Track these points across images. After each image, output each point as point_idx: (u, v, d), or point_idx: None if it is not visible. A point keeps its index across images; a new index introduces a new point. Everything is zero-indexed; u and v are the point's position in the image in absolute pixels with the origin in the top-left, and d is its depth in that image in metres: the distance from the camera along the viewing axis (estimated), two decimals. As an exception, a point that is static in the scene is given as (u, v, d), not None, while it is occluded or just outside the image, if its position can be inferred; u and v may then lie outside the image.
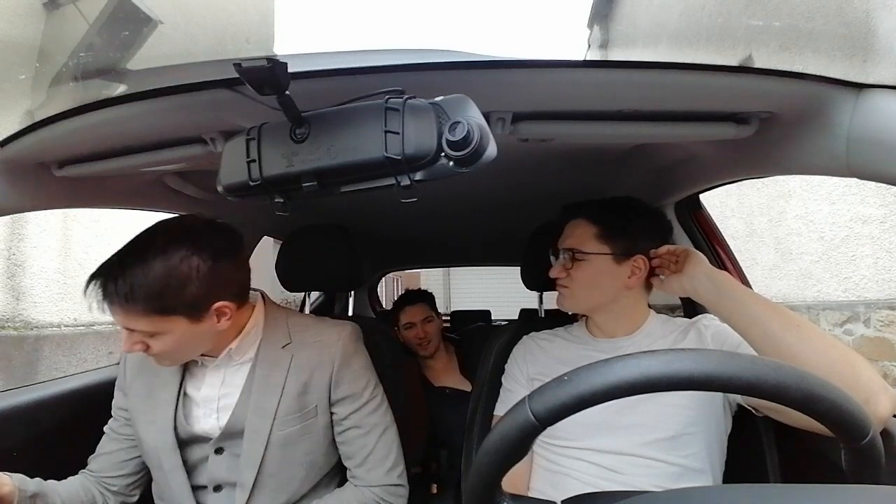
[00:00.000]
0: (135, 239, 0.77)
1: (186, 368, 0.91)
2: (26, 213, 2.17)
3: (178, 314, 0.75)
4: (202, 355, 0.87)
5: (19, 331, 2.59)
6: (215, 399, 0.88)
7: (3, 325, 2.56)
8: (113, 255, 0.75)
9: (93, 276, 0.74)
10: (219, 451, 0.88)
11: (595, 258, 0.89)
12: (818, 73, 0.59)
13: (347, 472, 0.94)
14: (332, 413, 0.92)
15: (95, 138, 0.76)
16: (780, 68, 0.59)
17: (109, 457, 0.93)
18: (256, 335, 0.90)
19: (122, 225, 3.04)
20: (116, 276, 0.72)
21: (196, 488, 0.88)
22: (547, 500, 0.54)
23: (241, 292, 0.85)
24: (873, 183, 0.62)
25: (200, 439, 0.88)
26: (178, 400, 0.88)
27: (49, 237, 2.73)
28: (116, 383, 0.96)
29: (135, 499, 0.94)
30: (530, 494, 0.89)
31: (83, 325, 2.83)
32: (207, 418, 0.88)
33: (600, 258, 0.88)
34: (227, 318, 0.81)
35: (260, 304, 0.93)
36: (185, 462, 0.88)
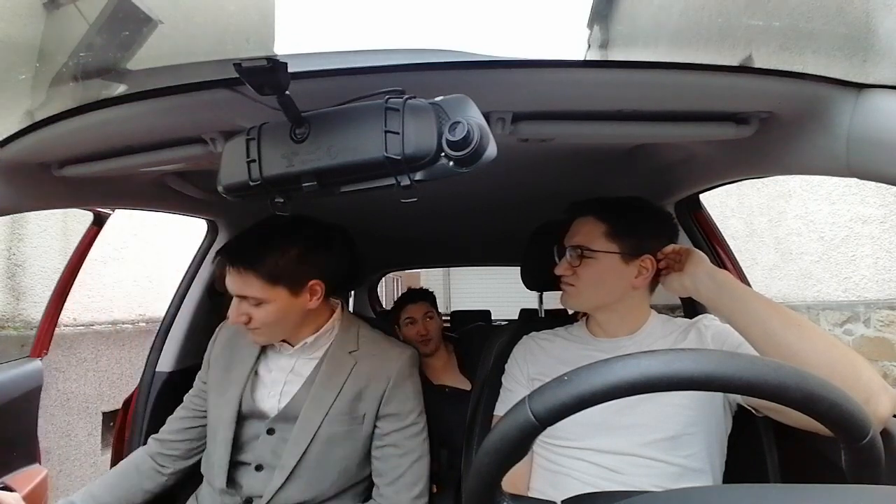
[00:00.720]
0: (254, 227, 0.94)
1: (263, 352, 1.01)
2: (26, 213, 2.17)
3: (282, 285, 0.89)
4: (283, 342, 0.98)
5: (19, 331, 2.59)
6: (281, 382, 0.98)
7: (3, 325, 2.55)
8: (236, 237, 0.94)
9: (221, 251, 0.92)
10: (270, 431, 0.95)
11: (603, 256, 0.88)
12: (818, 73, 0.59)
13: (374, 489, 0.97)
14: (375, 427, 0.97)
15: (95, 138, 0.76)
16: (780, 68, 0.59)
17: (178, 422, 1.06)
18: (330, 336, 1.00)
19: (122, 225, 3.03)
20: (243, 250, 0.89)
21: (240, 464, 0.96)
22: (547, 500, 0.54)
23: (332, 277, 0.96)
24: (873, 183, 0.62)
25: (259, 416, 0.97)
26: (248, 379, 0.98)
27: (49, 237, 2.73)
28: (204, 357, 1.10)
29: (192, 462, 1.06)
30: (530, 494, 0.89)
31: (83, 325, 2.83)
32: (270, 398, 0.97)
33: (608, 257, 0.88)
34: (317, 298, 0.93)
35: (339, 311, 1.04)
36: (238, 437, 0.97)
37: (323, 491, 0.94)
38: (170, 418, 1.08)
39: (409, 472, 0.95)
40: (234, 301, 0.91)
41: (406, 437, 0.97)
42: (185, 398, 1.09)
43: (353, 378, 0.96)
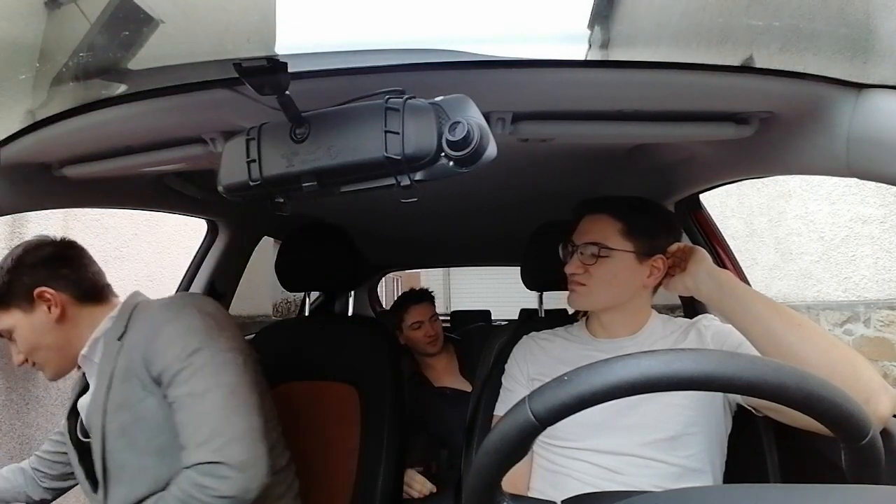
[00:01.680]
0: None
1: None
2: (26, 213, 2.17)
3: (11, 307, 0.86)
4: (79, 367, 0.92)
5: (19, 330, 2.60)
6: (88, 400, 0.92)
7: (3, 325, 2.56)
8: None
9: None
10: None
11: (619, 255, 0.86)
12: (818, 73, 0.59)
13: None
14: (165, 395, 0.84)
15: (95, 138, 0.76)
16: (780, 68, 0.59)
17: (51, 444, 1.06)
18: (103, 335, 0.90)
19: (123, 225, 3.03)
20: None
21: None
22: (547, 500, 0.54)
23: (67, 283, 0.89)
24: (873, 183, 0.62)
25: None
26: (72, 404, 0.96)
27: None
28: None
29: (67, 484, 1.05)
30: (530, 494, 0.89)
31: (83, 325, 2.84)
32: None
33: (624, 255, 0.86)
34: (54, 306, 0.87)
35: (122, 305, 0.92)
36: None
37: (154, 479, 0.84)
38: (48, 438, 1.07)
39: (191, 422, 0.79)
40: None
41: (180, 385, 0.80)
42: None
43: (121, 362, 0.85)
